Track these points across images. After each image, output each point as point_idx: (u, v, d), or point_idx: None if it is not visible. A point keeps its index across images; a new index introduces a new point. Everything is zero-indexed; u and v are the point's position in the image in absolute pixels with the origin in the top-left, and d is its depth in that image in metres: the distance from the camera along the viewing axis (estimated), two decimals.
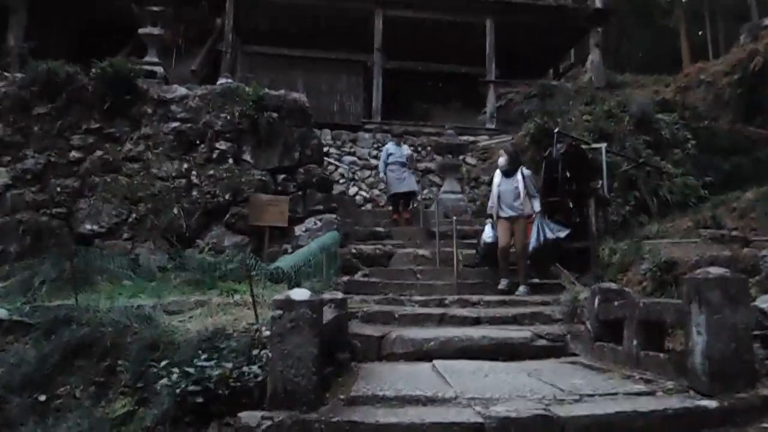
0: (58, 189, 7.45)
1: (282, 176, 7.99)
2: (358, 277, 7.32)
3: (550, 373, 3.73)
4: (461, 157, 11.50)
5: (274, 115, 7.89)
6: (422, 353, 4.57)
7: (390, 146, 10.25)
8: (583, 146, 10.56)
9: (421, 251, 8.09)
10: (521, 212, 6.90)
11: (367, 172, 12.42)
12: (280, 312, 2.75)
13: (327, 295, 4.32)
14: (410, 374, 3.67)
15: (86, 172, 7.59)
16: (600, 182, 10.31)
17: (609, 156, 10.52)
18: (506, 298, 6.14)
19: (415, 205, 10.29)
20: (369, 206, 11.87)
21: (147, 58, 9.06)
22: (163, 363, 3.65)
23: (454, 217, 7.81)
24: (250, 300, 4.95)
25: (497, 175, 7.22)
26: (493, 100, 14.06)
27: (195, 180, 7.66)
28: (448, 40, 14.46)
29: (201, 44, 14.60)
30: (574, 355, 4.63)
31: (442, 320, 5.29)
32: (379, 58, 13.88)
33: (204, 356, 3.57)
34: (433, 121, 14.25)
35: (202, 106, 8.00)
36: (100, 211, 7.47)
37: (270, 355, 2.77)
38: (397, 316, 5.33)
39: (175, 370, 3.42)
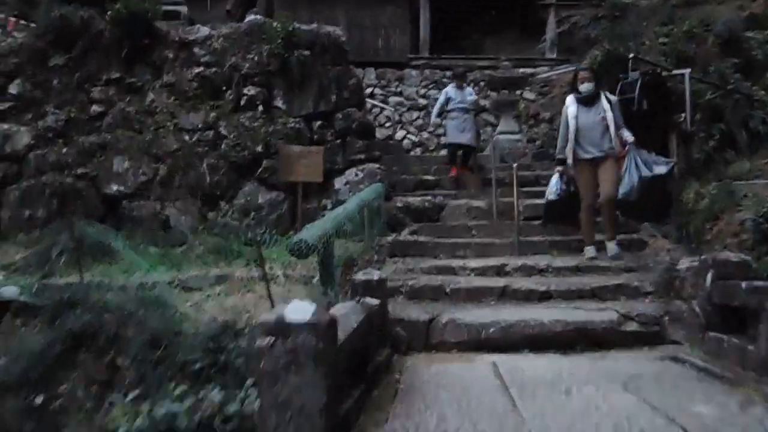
0: (82, 147, 6.75)
1: (318, 123, 6.98)
2: (405, 235, 6.37)
3: (656, 388, 2.70)
4: (518, 92, 10.11)
5: (306, 53, 6.80)
6: (480, 342, 3.64)
7: (450, 90, 8.53)
8: (664, 73, 8.99)
9: (475, 202, 6.99)
10: (611, 151, 5.21)
11: (415, 114, 11.21)
12: (270, 340, 1.83)
13: (360, 276, 3.39)
14: (465, 389, 2.72)
15: (108, 127, 6.83)
16: (683, 115, 8.79)
17: (692, 83, 8.94)
18: (581, 262, 4.99)
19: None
20: (418, 151, 10.73)
21: None
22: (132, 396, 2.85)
23: (514, 164, 6.60)
24: (278, 273, 4.11)
25: (571, 104, 5.42)
26: (553, 25, 12.32)
27: (223, 131, 6.76)
28: None
29: None
30: (675, 343, 3.57)
31: (503, 295, 4.28)
32: None
33: (199, 364, 2.74)
34: (486, 54, 12.71)
35: (227, 48, 6.99)
36: (126, 170, 6.76)
37: (258, 401, 1.88)
38: (448, 290, 4.36)
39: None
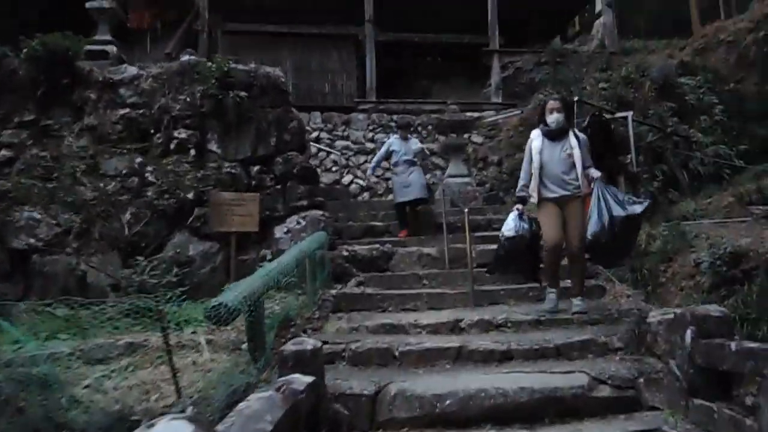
0: None
1: (256, 168, 6.42)
2: (351, 287, 5.79)
3: None
4: (466, 135, 9.87)
5: (243, 94, 6.29)
6: (435, 417, 3.06)
7: (394, 141, 7.65)
8: (607, 116, 8.96)
9: (426, 249, 6.52)
10: (577, 191, 4.61)
11: (362, 158, 10.81)
12: None
13: (291, 347, 2.79)
14: None
15: (19, 173, 6.05)
16: (629, 156, 8.72)
17: (634, 126, 8.94)
18: (542, 314, 4.51)
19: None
20: (366, 195, 10.28)
21: (97, 36, 7.51)
22: None
23: (465, 209, 6.20)
24: (200, 340, 3.45)
25: (536, 138, 4.77)
26: (498, 70, 12.35)
27: (150, 177, 6.10)
28: (446, 7, 12.71)
29: (180, 27, 12.93)
30: (654, 409, 3.09)
31: (459, 356, 3.74)
32: (371, 30, 12.17)
33: None
34: (434, 98, 12.60)
35: (156, 88, 6.41)
36: (38, 221, 5.95)
37: None
38: (397, 353, 3.78)
39: None
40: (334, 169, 10.41)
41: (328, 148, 10.35)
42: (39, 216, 5.92)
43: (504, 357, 3.71)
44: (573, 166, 4.61)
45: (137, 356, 3.64)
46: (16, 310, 4.79)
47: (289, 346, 2.80)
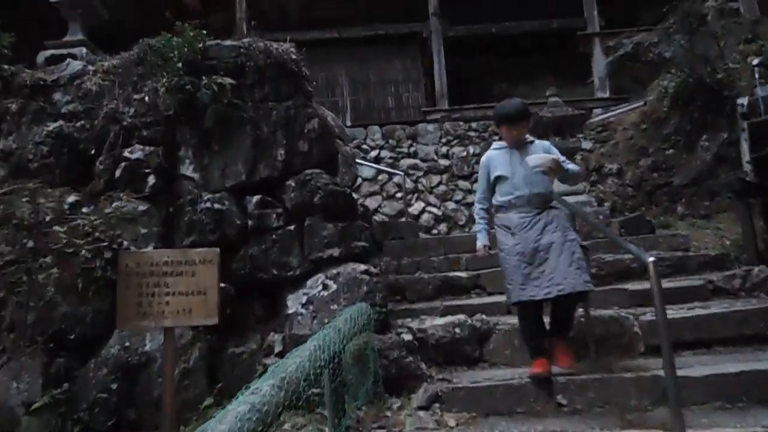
0: None
1: (255, 198, 3.72)
2: (414, 407, 2.89)
3: None
4: (579, 136, 6.71)
5: (229, 81, 3.66)
6: None
7: (494, 155, 3.20)
8: None
9: (545, 318, 3.48)
10: None
11: (436, 178, 7.93)
12: None
13: None
14: None
15: None
16: None
17: None
18: None
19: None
20: (443, 228, 7.34)
21: (68, 37, 5.34)
22: None
23: (649, 259, 3.02)
24: None
25: None
26: (601, 57, 9.13)
27: (87, 226, 3.58)
28: None
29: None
30: None
31: None
32: (437, 25, 9.41)
33: None
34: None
35: (106, 88, 3.91)
36: None
37: None
38: None
39: None
40: (398, 195, 7.59)
41: (389, 169, 7.54)
42: None
43: None
44: None
45: None
46: None
47: None
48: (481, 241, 3.18)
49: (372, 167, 7.40)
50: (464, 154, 8.04)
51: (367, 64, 10.06)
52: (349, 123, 9.01)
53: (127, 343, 3.42)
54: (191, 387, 3.40)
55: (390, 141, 8.31)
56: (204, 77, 3.64)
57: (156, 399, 3.31)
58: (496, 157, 3.13)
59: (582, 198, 6.31)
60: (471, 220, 7.48)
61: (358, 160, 6.80)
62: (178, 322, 2.80)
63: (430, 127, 8.43)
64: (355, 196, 4.15)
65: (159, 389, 3.27)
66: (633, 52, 7.43)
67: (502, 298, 3.99)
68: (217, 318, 2.82)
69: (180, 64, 3.67)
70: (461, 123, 8.37)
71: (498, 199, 3.10)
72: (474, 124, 8.21)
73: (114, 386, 3.36)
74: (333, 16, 10.12)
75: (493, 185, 3.12)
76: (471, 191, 7.67)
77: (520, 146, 3.07)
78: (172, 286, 2.77)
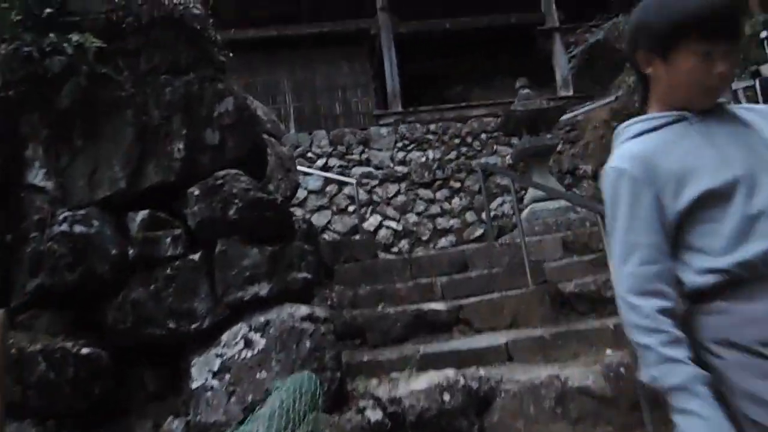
0: None
1: (141, 215, 2.50)
2: None
3: None
4: (551, 135, 5.80)
5: (96, 43, 2.45)
6: None
7: (651, 145, 0.99)
8: None
9: (570, 371, 2.40)
10: None
11: (393, 188, 6.84)
12: None
13: None
14: None
15: None
16: None
17: None
18: None
19: None
20: (404, 245, 6.22)
21: None
22: None
23: None
24: None
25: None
26: (562, 53, 8.40)
27: None
28: None
29: None
30: None
31: None
32: (386, 21, 8.43)
33: None
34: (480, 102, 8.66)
35: None
36: None
37: None
38: None
39: None
40: (350, 208, 6.43)
41: (339, 177, 6.36)
42: None
43: None
44: None
45: None
46: None
47: None
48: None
49: (319, 175, 6.23)
50: (423, 159, 7.01)
51: (312, 67, 8.95)
52: (292, 130, 7.85)
53: None
54: None
55: (339, 147, 7.17)
56: (47, 33, 2.39)
57: None
58: (662, 148, 0.98)
59: (563, 204, 5.38)
60: (436, 233, 6.42)
61: (302, 168, 5.63)
62: None
63: (384, 131, 7.36)
64: (299, 213, 2.97)
65: None
66: (601, 42, 6.64)
67: (495, 338, 2.91)
68: None
69: (21, 21, 2.41)
70: (418, 125, 7.36)
71: (707, 265, 0.93)
72: (432, 126, 7.22)
73: None
74: (274, 14, 8.97)
75: (682, 224, 0.95)
76: (433, 201, 6.63)
77: (709, 111, 1.00)
78: None
